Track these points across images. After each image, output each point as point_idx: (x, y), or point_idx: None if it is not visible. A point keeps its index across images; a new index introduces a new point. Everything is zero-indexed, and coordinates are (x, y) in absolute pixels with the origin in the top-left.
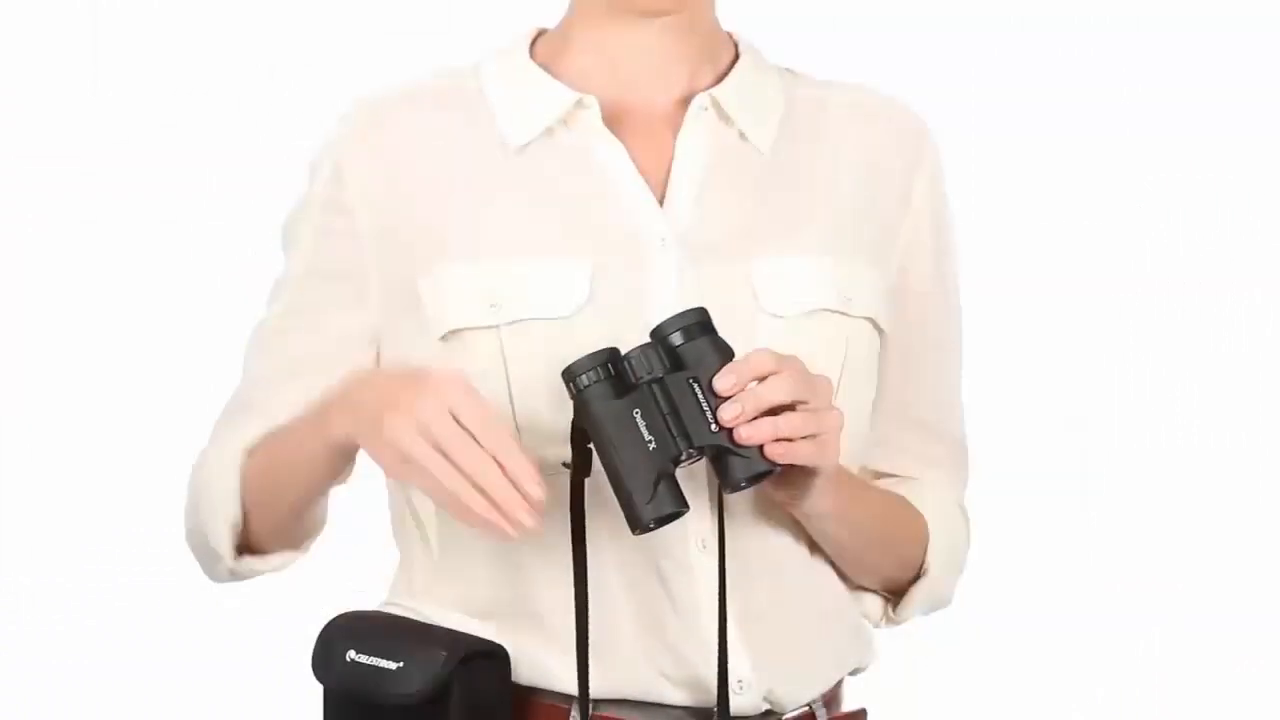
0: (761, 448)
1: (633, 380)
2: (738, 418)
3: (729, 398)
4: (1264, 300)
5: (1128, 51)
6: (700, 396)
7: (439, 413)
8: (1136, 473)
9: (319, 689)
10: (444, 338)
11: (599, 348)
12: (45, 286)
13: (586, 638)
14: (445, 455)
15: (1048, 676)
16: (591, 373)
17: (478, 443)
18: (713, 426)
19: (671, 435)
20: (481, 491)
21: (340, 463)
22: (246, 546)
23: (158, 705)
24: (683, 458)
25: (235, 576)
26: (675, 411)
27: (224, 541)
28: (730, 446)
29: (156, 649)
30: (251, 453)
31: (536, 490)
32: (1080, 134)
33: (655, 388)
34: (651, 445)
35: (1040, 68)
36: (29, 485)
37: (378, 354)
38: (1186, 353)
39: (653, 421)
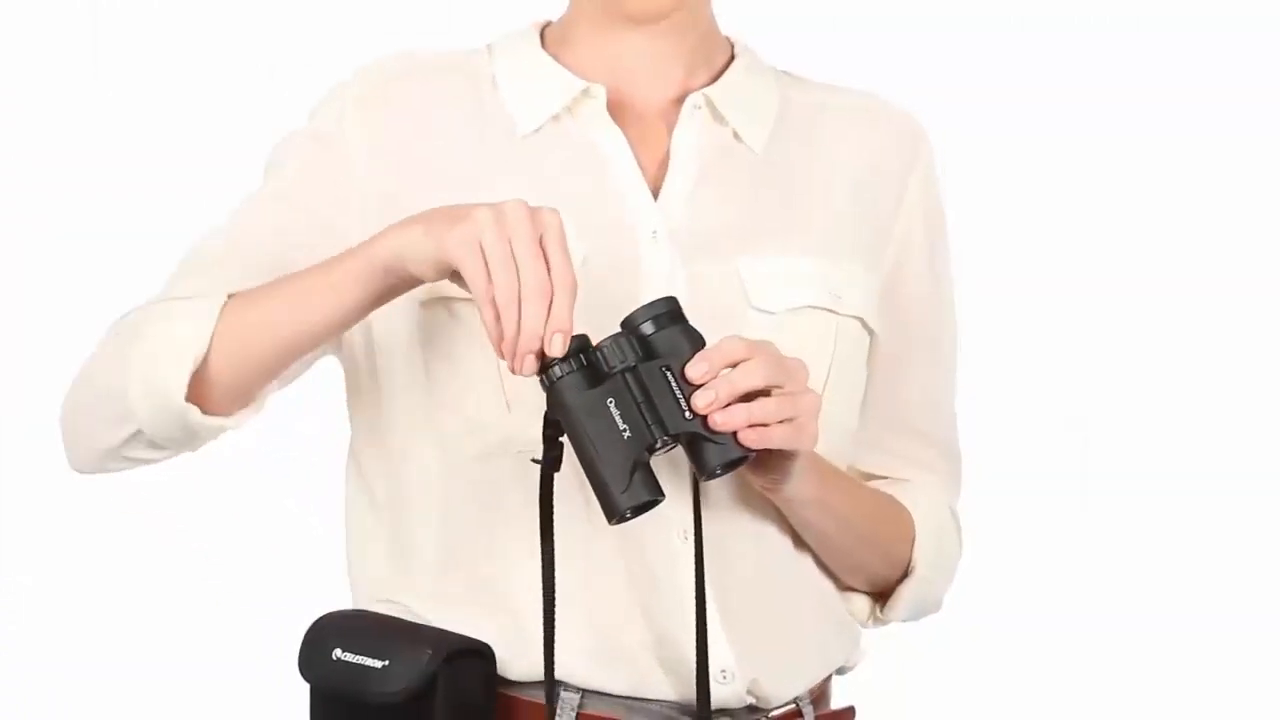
0: (736, 434)
1: (605, 370)
2: (711, 404)
3: (702, 385)
4: (1264, 300)
5: (1128, 51)
6: (674, 384)
7: (527, 228)
8: (1136, 473)
9: (306, 687)
10: (426, 303)
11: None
12: (45, 286)
13: (553, 633)
14: (516, 262)
15: (1041, 678)
16: (564, 363)
17: (549, 269)
18: (687, 414)
19: (646, 424)
20: (519, 311)
21: (371, 291)
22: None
23: (149, 702)
24: (657, 446)
25: (126, 450)
26: (649, 400)
27: (177, 383)
28: (704, 433)
29: (149, 647)
30: (235, 295)
31: (558, 346)
32: (1079, 134)
33: (628, 376)
34: (626, 434)
35: (1040, 68)
36: (29, 485)
37: None
38: (1186, 353)
39: (627, 410)
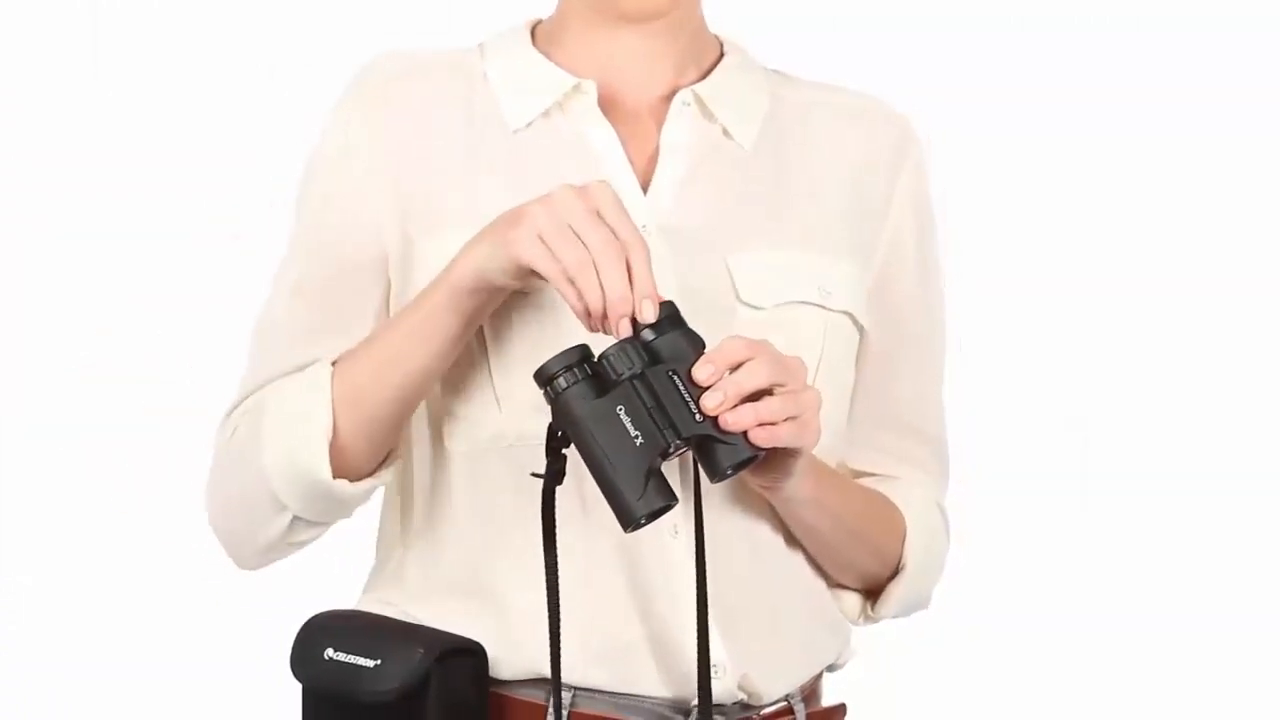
0: (745, 433)
1: (613, 378)
2: (720, 405)
3: (709, 387)
4: (1264, 300)
5: (1128, 51)
6: (681, 388)
7: (579, 204)
8: (1135, 473)
9: (298, 687)
10: None
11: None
12: (45, 287)
13: (558, 644)
14: (578, 235)
15: (1033, 677)
16: (569, 374)
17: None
18: (697, 416)
19: (659, 429)
20: (599, 279)
21: (464, 315)
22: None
23: (145, 702)
24: (670, 450)
25: (288, 538)
26: (659, 405)
27: (319, 462)
28: (715, 435)
29: (145, 647)
30: (338, 362)
31: (649, 312)
32: (1079, 134)
33: (637, 383)
34: (639, 441)
35: (1040, 68)
36: (29, 485)
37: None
38: (1186, 353)
39: (637, 417)
